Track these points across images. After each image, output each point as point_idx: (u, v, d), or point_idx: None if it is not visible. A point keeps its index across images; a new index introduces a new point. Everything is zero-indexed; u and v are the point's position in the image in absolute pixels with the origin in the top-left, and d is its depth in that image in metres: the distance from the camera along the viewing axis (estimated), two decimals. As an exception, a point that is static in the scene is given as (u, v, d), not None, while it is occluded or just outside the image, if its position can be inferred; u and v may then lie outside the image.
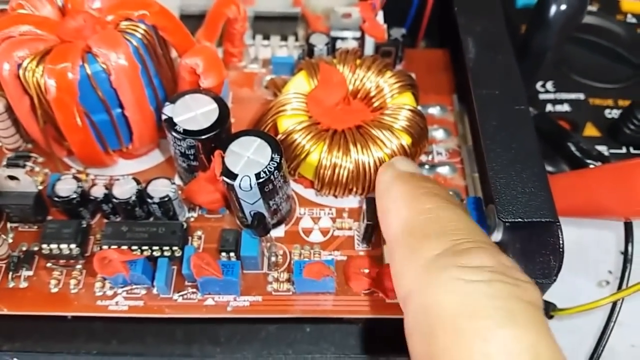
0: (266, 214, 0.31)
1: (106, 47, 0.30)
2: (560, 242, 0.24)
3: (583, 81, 0.44)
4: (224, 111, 0.31)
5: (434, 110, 0.39)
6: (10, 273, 0.31)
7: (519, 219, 0.24)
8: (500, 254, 0.22)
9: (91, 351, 0.31)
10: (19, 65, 0.30)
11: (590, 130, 0.41)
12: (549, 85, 0.44)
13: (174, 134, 0.30)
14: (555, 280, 0.25)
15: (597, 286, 0.39)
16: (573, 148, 0.36)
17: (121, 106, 0.32)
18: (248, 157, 0.30)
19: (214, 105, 0.32)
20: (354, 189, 0.33)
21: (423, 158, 0.37)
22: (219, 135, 0.31)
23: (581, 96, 0.43)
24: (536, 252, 0.25)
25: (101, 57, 0.30)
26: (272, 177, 0.29)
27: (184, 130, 0.30)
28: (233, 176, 0.29)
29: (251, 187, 0.29)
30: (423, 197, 0.25)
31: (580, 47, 0.46)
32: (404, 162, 0.30)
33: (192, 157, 0.32)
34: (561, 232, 0.25)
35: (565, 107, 0.43)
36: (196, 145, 0.31)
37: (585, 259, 0.40)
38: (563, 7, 0.34)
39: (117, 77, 0.30)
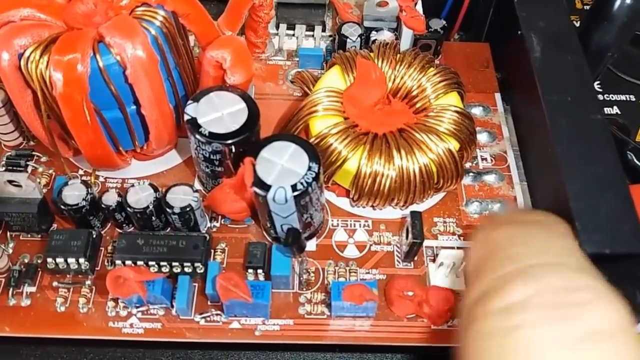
0: (298, 227, 0.28)
1: (121, 35, 0.26)
2: (652, 276, 0.21)
3: (633, 81, 0.40)
4: (253, 112, 0.28)
5: (477, 111, 0.36)
6: (11, 289, 0.28)
7: (606, 251, 0.21)
8: (559, 271, 0.20)
9: (102, 378, 0.28)
10: (20, 55, 0.26)
11: (643, 136, 0.38)
12: (596, 85, 0.40)
13: (198, 137, 0.27)
14: (641, 320, 0.22)
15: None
16: (633, 158, 0.33)
17: (137, 103, 0.28)
18: (282, 165, 0.26)
19: (243, 105, 0.28)
20: (396, 200, 0.30)
21: (467, 164, 0.33)
22: (249, 139, 0.27)
23: (632, 97, 0.40)
24: (617, 285, 0.22)
25: (115, 48, 0.26)
26: (309, 189, 0.26)
27: (210, 133, 0.27)
28: (266, 187, 0.26)
29: (286, 200, 0.26)
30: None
31: (629, 43, 0.42)
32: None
33: (217, 163, 0.28)
34: (652, 264, 0.22)
35: (615, 110, 0.39)
36: (223, 150, 0.27)
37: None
38: (629, 0, 0.31)
39: (133, 71, 0.26)
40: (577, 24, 0.42)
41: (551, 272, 0.20)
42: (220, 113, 0.28)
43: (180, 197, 0.28)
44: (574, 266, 0.20)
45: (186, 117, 0.27)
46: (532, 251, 0.21)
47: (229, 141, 0.27)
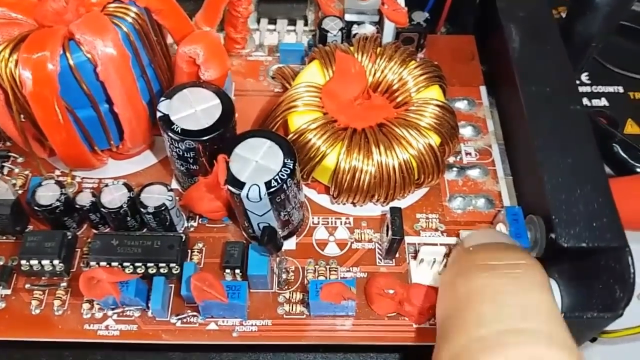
0: (276, 226, 0.27)
1: (91, 33, 0.26)
2: (631, 270, 0.21)
3: (621, 72, 0.40)
4: (228, 108, 0.27)
5: (461, 105, 0.35)
6: (-15, 292, 0.28)
7: (583, 244, 0.21)
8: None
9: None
10: (-10, 54, 0.25)
11: (632, 127, 0.37)
12: (584, 77, 0.40)
13: (170, 134, 0.26)
14: (621, 314, 0.21)
15: (637, 298, 0.36)
16: (619, 150, 0.32)
17: (109, 101, 0.28)
18: (257, 162, 0.26)
19: (217, 101, 0.27)
20: (376, 196, 0.30)
21: (450, 159, 0.33)
22: (223, 135, 0.27)
23: (620, 89, 0.39)
24: (597, 280, 0.21)
25: (86, 45, 0.26)
26: (284, 185, 0.25)
27: (182, 130, 0.26)
28: (239, 185, 0.25)
29: (261, 198, 0.25)
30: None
31: (617, 35, 0.42)
32: (473, 236, 0.26)
33: (191, 161, 0.28)
34: (632, 258, 0.21)
35: (603, 102, 0.39)
36: (196, 148, 0.27)
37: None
38: (612, -11, 0.30)
39: (104, 69, 0.26)
40: (564, 15, 0.42)
41: (520, 343, 0.20)
42: (193, 109, 0.27)
43: (155, 197, 0.28)
44: (545, 336, 0.20)
45: (158, 114, 0.27)
46: (502, 313, 0.20)
47: (202, 138, 0.26)
